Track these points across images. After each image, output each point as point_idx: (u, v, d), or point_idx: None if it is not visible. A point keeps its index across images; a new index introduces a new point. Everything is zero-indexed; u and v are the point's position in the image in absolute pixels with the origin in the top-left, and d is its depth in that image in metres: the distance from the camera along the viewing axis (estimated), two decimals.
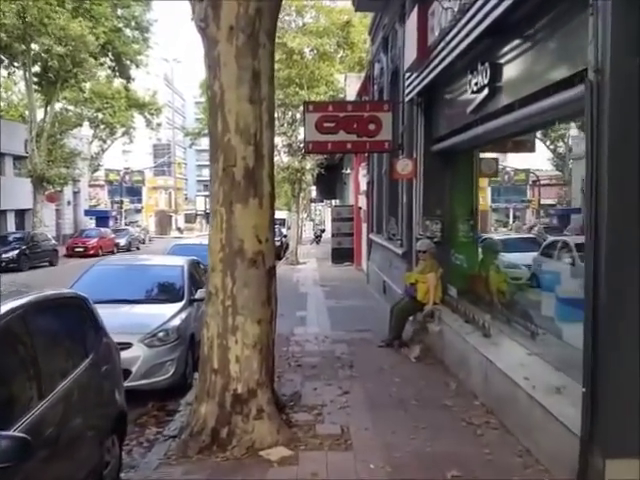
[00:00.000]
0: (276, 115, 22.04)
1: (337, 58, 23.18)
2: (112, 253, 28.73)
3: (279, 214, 37.64)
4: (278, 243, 26.39)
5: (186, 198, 77.90)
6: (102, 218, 37.83)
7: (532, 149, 9.49)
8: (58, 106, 30.71)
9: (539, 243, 14.26)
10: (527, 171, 30.04)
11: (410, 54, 6.96)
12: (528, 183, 36.92)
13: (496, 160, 7.80)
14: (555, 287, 6.19)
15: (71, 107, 33.36)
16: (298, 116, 19.68)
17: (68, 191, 34.00)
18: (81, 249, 27.31)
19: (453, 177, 7.67)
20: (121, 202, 46.60)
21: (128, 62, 29.72)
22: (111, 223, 38.31)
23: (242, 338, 4.26)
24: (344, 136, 9.38)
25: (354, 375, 5.97)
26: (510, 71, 5.05)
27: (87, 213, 37.58)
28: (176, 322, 6.14)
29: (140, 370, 5.64)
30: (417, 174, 7.90)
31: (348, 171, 22.04)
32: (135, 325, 5.93)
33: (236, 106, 4.30)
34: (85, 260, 24.90)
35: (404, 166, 7.96)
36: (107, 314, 6.29)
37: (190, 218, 72.23)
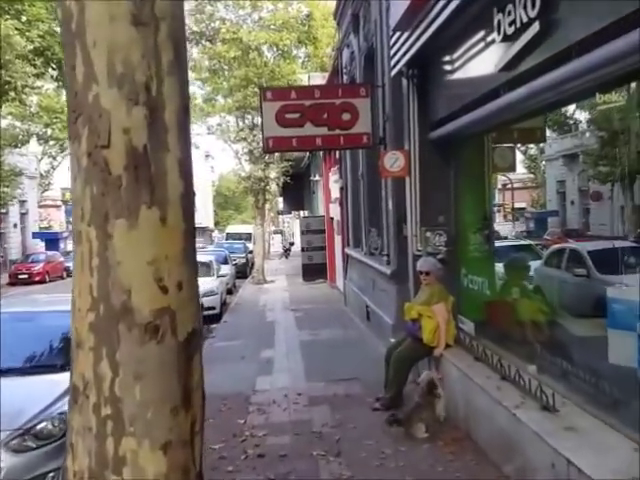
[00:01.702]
0: (233, 119, 20.11)
1: (299, 57, 21.44)
2: (61, 278, 26.30)
3: (246, 228, 35.50)
4: (243, 260, 24.27)
5: None
6: (52, 240, 34.84)
7: (542, 139, 7.76)
8: (4, 123, 28.34)
9: (535, 251, 12.65)
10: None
11: (399, 4, 5.05)
12: (496, 187, 35.79)
13: (512, 150, 5.95)
14: (625, 318, 4.34)
15: (18, 123, 30.98)
16: (258, 120, 17.78)
17: (15, 212, 31.31)
18: (25, 276, 24.93)
19: (459, 173, 5.79)
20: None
21: None
22: (62, 246, 35.42)
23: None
24: (312, 129, 7.43)
25: (344, 474, 3.92)
26: None
27: (35, 236, 34.64)
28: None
29: None
30: (411, 171, 5.98)
31: (317, 178, 20.11)
32: None
33: (107, 32, 2.19)
34: (30, 288, 22.53)
35: (394, 160, 6.02)
36: None
37: None
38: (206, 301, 12.56)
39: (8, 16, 19.95)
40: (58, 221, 44.75)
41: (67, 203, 45.81)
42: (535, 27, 3.29)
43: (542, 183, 33.85)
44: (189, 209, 2.40)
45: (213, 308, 13.20)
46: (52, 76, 27.23)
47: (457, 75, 5.10)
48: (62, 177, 43.38)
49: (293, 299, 14.70)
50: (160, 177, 2.28)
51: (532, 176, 38.20)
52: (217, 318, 12.77)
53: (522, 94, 3.70)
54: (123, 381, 2.26)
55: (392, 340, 6.77)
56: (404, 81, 5.95)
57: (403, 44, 5.43)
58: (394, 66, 5.81)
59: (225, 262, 18.99)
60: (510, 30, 3.60)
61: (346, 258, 12.62)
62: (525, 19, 3.39)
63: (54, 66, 26.27)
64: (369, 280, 9.63)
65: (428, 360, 5.48)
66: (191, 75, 20.12)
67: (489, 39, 4.13)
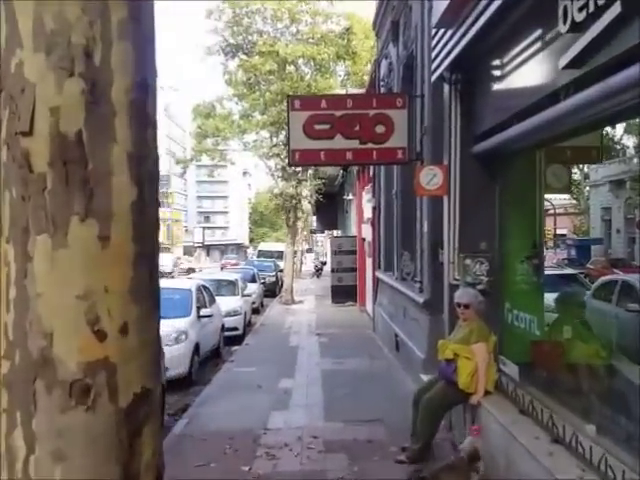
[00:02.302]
0: (267, 135, 19.73)
1: (338, 74, 20.98)
2: None
3: (278, 246, 34.91)
4: (273, 279, 23.72)
5: (186, 230, 76.25)
6: None
7: (599, 158, 6.90)
8: None
9: (580, 281, 11.70)
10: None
11: None
12: None
13: (568, 168, 5.19)
14: None
15: None
16: None
17: None
18: None
19: (505, 193, 5.06)
20: None
21: None
22: None
23: None
24: (342, 142, 6.85)
25: None
26: None
27: None
28: None
29: None
30: (450, 189, 5.28)
31: (350, 197, 19.50)
32: None
33: None
34: None
35: (431, 177, 5.34)
36: None
37: (189, 250, 70.45)
38: (228, 321, 12.05)
39: None
40: None
41: None
42: (615, 8, 2.60)
43: (585, 209, 32.21)
44: (145, 224, 1.73)
45: (236, 329, 12.66)
46: None
47: (508, 79, 4.41)
48: None
49: (320, 322, 14.01)
50: (101, 178, 1.61)
51: (574, 201, 36.61)
52: (239, 339, 12.20)
53: (593, 95, 2.99)
54: (40, 461, 1.58)
55: (422, 377, 6.04)
56: (446, 87, 5.28)
57: (446, 44, 4.77)
58: (435, 70, 5.15)
59: (253, 280, 18.49)
60: (580, 17, 2.91)
61: (376, 281, 11.90)
62: (601, 0, 2.70)
63: None
64: (400, 307, 8.89)
65: (463, 407, 4.72)
66: (228, 90, 19.92)
67: (550, 32, 3.45)
